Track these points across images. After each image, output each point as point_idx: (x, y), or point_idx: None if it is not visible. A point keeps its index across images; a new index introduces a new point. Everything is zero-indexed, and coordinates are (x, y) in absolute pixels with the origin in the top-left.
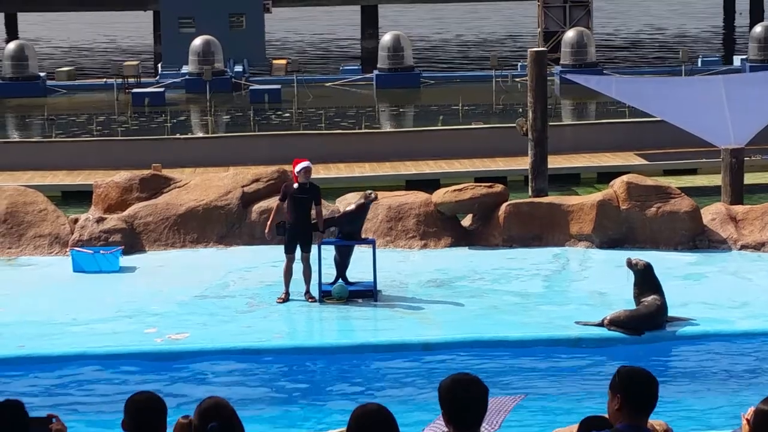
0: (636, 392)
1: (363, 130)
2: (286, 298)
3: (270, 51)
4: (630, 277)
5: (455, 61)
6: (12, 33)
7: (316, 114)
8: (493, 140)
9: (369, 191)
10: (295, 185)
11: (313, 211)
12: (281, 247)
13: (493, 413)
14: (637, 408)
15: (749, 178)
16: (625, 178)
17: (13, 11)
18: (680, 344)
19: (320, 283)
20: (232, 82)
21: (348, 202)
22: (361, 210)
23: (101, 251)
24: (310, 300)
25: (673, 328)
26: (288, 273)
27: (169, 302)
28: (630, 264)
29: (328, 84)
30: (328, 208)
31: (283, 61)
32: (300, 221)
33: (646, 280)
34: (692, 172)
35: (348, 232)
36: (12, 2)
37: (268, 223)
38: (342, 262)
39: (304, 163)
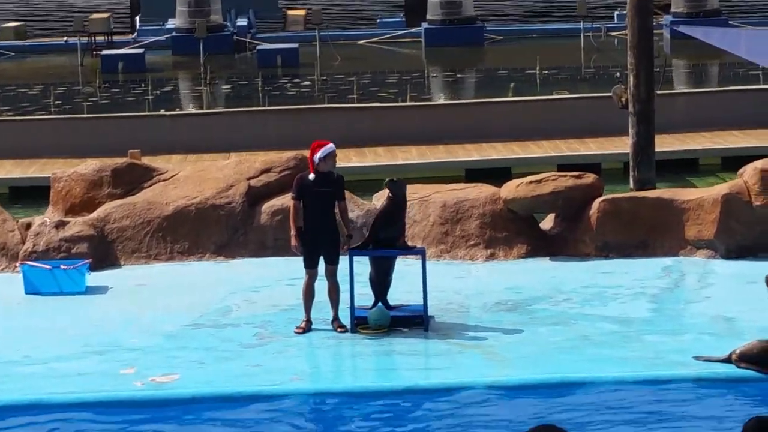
0: None
1: (408, 103)
2: (307, 327)
3: None
4: None
5: (529, 9)
6: None
7: (345, 82)
8: (582, 115)
9: (390, 178)
10: (312, 176)
11: (336, 209)
12: (300, 260)
13: None
14: None
15: None
16: (759, 164)
17: None
18: None
19: (352, 307)
20: (234, 41)
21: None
22: (397, 205)
23: (62, 266)
24: (339, 330)
25: None
26: (309, 293)
27: (152, 333)
28: None
29: (361, 41)
30: (362, 207)
31: (301, 12)
32: (323, 224)
33: None
34: None
35: (385, 239)
36: None
37: (291, 232)
38: (381, 280)
39: (329, 147)
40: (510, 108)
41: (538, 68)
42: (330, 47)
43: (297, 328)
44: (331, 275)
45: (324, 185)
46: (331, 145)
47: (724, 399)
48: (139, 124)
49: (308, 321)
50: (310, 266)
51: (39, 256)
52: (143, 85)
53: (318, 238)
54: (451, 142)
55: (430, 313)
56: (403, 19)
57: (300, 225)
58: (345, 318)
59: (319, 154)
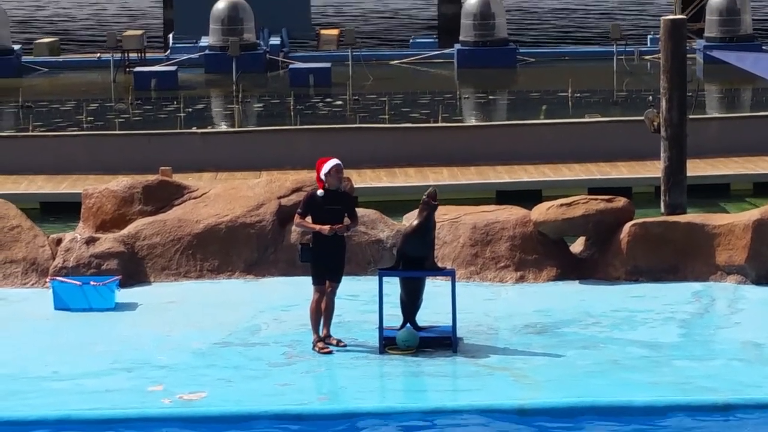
0: None
1: (440, 124)
2: (324, 345)
3: (317, 18)
4: None
5: (563, 32)
6: None
7: (377, 101)
8: (614, 138)
9: (430, 190)
10: (321, 192)
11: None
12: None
13: None
14: None
15: None
16: None
17: None
18: None
19: (381, 328)
20: (267, 59)
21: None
22: (428, 222)
23: (92, 282)
24: (340, 345)
25: None
26: (317, 312)
27: (181, 351)
28: None
29: (393, 62)
30: (392, 228)
31: (335, 32)
32: (331, 241)
33: None
34: None
35: (414, 259)
36: None
37: (317, 228)
38: (410, 301)
39: (333, 162)
40: (542, 130)
41: (570, 91)
42: (362, 67)
43: (321, 350)
44: (331, 293)
45: (333, 203)
46: (334, 160)
47: (755, 425)
48: (170, 142)
49: (320, 339)
50: (320, 282)
51: (69, 272)
52: (175, 102)
53: (326, 255)
54: (483, 164)
55: (458, 335)
56: (436, 40)
57: (304, 242)
58: (374, 339)
59: (323, 170)
